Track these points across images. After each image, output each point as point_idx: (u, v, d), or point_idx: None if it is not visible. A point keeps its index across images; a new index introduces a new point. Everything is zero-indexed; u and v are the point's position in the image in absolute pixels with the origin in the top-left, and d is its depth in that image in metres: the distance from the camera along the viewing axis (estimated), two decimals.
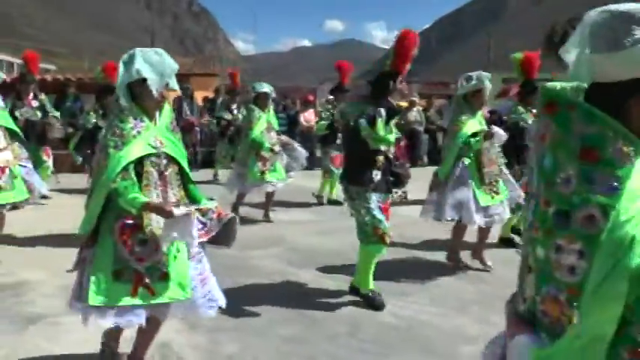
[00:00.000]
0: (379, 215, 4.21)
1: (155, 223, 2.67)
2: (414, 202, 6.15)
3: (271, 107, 7.31)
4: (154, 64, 2.71)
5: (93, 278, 2.66)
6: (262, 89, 7.11)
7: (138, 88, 2.72)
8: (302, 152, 7.56)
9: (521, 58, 5.87)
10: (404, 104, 15.19)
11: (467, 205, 4.99)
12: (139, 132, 2.71)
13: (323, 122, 8.28)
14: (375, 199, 4.23)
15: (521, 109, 5.91)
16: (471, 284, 4.97)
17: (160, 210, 2.60)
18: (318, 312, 4.25)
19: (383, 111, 4.19)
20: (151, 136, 2.75)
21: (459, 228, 5.35)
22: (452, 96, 15.75)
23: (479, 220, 5.01)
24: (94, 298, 2.65)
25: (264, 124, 6.95)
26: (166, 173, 2.79)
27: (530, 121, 5.70)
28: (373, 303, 4.33)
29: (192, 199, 2.93)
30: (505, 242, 6.12)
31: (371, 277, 4.40)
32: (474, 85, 5.02)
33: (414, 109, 14.31)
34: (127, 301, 2.68)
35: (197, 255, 2.90)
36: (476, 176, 5.05)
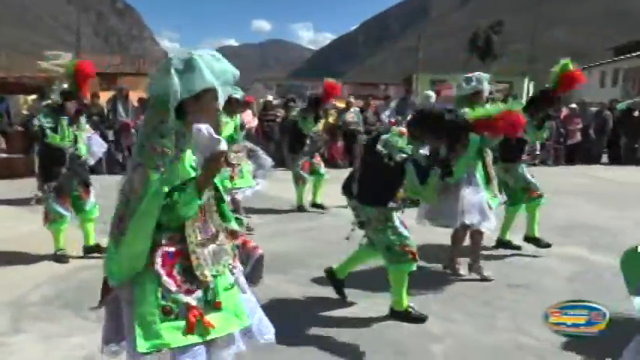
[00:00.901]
0: (405, 232, 4.06)
1: (203, 259, 2.33)
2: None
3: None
4: (217, 72, 2.28)
5: (138, 321, 2.23)
6: (234, 94, 6.90)
7: (189, 101, 2.24)
8: (267, 159, 7.49)
9: (567, 73, 5.66)
10: (341, 105, 15.40)
11: (484, 209, 4.91)
12: (181, 150, 2.26)
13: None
14: (397, 216, 4.09)
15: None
16: (429, 284, 5.05)
17: (213, 164, 2.22)
18: (287, 319, 4.15)
19: (438, 169, 3.96)
20: (191, 155, 2.32)
21: (460, 234, 5.28)
22: (388, 97, 16.23)
23: (490, 224, 4.95)
24: (143, 345, 2.21)
25: (231, 131, 6.70)
26: (205, 200, 2.34)
27: None
28: (415, 319, 4.18)
29: (223, 218, 2.54)
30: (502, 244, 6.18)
31: (405, 293, 4.20)
32: (473, 86, 5.05)
33: (352, 110, 14.56)
34: (182, 340, 2.24)
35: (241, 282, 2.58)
36: (483, 179, 5.01)
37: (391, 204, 4.03)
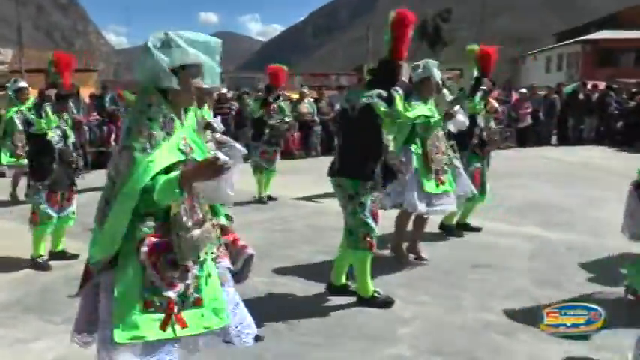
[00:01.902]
0: (372, 223, 4.08)
1: (184, 243, 2.26)
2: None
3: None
4: (199, 46, 2.25)
5: (117, 310, 2.18)
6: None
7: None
8: (239, 149, 7.40)
9: (479, 52, 5.97)
10: (295, 96, 15.40)
11: (410, 191, 4.96)
12: (168, 133, 2.24)
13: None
14: (370, 203, 4.09)
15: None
16: (395, 268, 5.13)
17: (205, 168, 2.14)
18: (254, 309, 4.20)
19: (399, 89, 4.06)
20: (180, 139, 2.29)
21: (403, 216, 5.33)
22: (342, 87, 16.31)
23: (421, 207, 4.98)
24: (121, 335, 2.16)
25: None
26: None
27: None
28: (382, 303, 4.26)
29: (213, 212, 2.54)
30: (444, 229, 6.26)
31: (369, 279, 4.28)
32: (419, 73, 5.09)
33: (305, 100, 14.55)
34: (156, 334, 2.20)
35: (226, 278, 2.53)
36: (421, 164, 5.03)
37: (370, 182, 4.05)
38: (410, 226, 5.42)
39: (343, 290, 4.45)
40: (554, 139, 16.37)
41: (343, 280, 4.48)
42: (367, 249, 4.12)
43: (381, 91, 3.98)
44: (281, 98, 8.34)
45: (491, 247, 5.81)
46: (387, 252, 5.41)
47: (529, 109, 15.55)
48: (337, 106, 14.56)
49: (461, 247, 5.83)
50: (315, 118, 14.30)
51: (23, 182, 8.18)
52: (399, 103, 4.06)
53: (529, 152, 14.22)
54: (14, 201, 8.40)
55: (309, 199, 8.50)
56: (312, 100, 14.81)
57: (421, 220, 5.34)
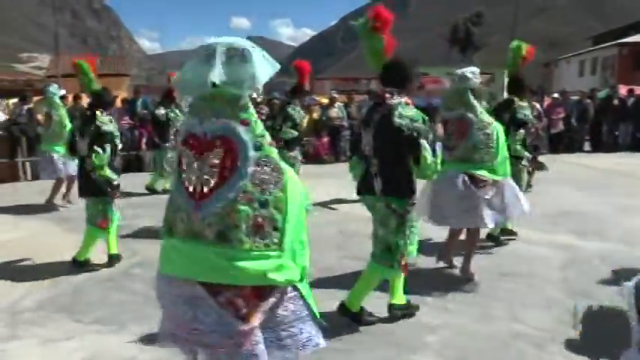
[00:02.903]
0: (415, 243, 3.98)
1: None
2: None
3: None
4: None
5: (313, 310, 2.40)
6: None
7: None
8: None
9: (525, 50, 5.90)
10: (325, 101, 15.36)
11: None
12: None
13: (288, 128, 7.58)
14: (415, 218, 4.00)
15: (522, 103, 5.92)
16: (423, 276, 5.08)
17: None
18: None
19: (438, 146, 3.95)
20: None
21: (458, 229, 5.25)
22: (371, 92, 16.20)
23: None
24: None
25: None
26: None
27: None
28: (367, 322, 4.05)
29: None
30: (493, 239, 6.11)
31: (363, 295, 4.09)
32: (457, 83, 4.95)
33: (335, 105, 14.56)
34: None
35: None
36: None
37: (413, 197, 3.94)
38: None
39: (355, 317, 4.05)
40: (587, 145, 16.06)
41: (358, 306, 4.10)
42: (398, 272, 3.99)
43: (425, 117, 3.85)
44: (291, 105, 7.76)
45: (521, 256, 5.71)
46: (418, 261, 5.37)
47: (561, 115, 15.29)
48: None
49: (490, 255, 5.75)
50: (345, 122, 14.30)
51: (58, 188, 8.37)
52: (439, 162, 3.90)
53: (561, 158, 13.97)
54: (50, 207, 8.42)
55: (338, 203, 8.50)
56: (341, 104, 14.81)
57: (458, 231, 5.27)
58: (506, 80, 5.57)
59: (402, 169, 3.86)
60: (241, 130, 2.17)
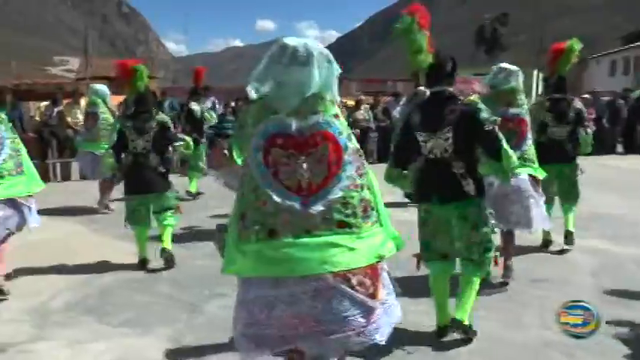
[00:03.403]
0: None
1: None
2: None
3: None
4: None
5: None
6: None
7: None
8: None
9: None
10: (351, 103, 15.27)
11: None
12: None
13: None
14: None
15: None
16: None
17: None
18: None
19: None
20: None
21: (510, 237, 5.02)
22: (397, 94, 16.08)
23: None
24: None
25: None
26: None
27: None
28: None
29: None
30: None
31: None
32: (501, 80, 4.76)
33: (362, 107, 14.47)
34: None
35: None
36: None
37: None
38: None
39: (468, 330, 3.79)
40: (619, 146, 15.70)
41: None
42: (488, 271, 3.89)
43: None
44: None
45: (552, 261, 5.59)
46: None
47: (592, 115, 14.94)
48: (394, 113, 14.38)
49: (520, 260, 5.60)
50: (372, 124, 14.20)
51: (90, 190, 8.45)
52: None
53: (592, 160, 13.66)
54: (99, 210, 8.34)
55: None
56: (368, 106, 14.71)
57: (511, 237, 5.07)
58: (535, 80, 5.37)
59: (475, 166, 3.74)
60: (337, 123, 2.33)
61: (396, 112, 14.15)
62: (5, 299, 4.70)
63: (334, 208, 2.25)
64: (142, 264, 5.50)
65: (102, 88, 8.63)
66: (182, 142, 5.76)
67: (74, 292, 4.91)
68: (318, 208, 2.22)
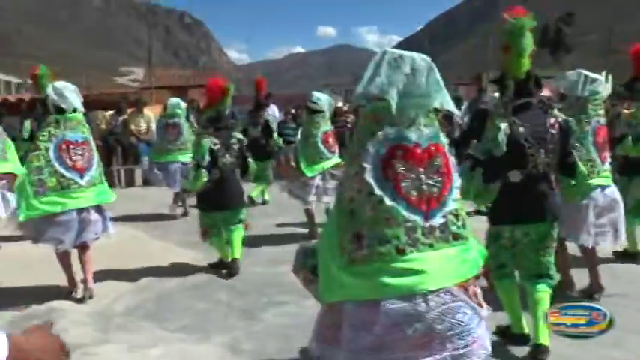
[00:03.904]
0: None
1: None
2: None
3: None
4: None
5: None
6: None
7: None
8: None
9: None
10: None
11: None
12: None
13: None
14: None
15: None
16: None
17: None
18: None
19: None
20: None
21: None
22: (459, 98, 15.70)
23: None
24: None
25: None
26: None
27: None
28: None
29: None
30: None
31: None
32: (589, 87, 4.51)
33: None
34: None
35: None
36: None
37: None
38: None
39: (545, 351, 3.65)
40: None
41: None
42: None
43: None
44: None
45: (619, 275, 5.24)
46: None
47: None
48: (457, 119, 13.99)
49: (585, 274, 5.30)
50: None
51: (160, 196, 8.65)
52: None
53: None
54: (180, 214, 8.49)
55: None
56: None
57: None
58: (610, 83, 4.94)
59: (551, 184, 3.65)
60: (442, 135, 2.30)
61: (457, 118, 13.84)
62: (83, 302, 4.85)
63: (450, 220, 2.24)
64: (234, 264, 5.58)
65: (179, 100, 8.80)
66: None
67: (135, 297, 5.01)
68: (438, 221, 2.20)
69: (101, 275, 5.41)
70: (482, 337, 2.25)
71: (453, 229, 2.24)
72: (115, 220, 7.91)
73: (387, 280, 2.12)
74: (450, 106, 2.27)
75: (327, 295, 2.31)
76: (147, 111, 12.02)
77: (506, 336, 3.82)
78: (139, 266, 5.85)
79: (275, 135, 9.18)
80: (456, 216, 2.26)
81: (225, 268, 5.61)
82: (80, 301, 4.85)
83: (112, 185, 11.55)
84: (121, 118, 12.09)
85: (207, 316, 4.52)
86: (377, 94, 2.22)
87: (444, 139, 2.30)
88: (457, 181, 2.30)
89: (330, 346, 2.33)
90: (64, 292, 4.99)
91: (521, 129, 3.43)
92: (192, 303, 4.84)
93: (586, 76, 4.45)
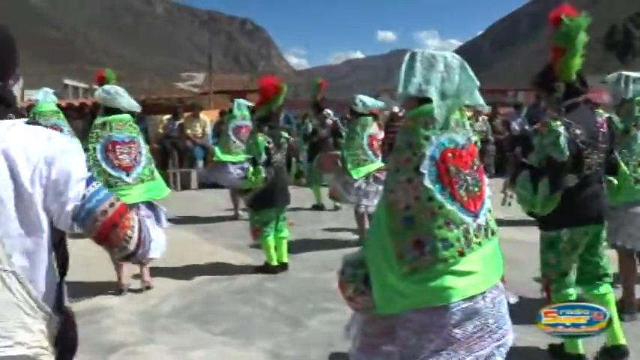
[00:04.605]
0: None
1: None
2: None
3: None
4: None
5: None
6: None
7: None
8: None
9: None
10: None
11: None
12: None
13: None
14: None
15: None
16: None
17: None
18: None
19: None
20: None
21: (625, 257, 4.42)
22: (519, 104, 15.21)
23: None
24: None
25: None
26: None
27: None
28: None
29: None
30: None
31: None
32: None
33: (480, 118, 13.75)
34: None
35: None
36: None
37: None
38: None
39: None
40: None
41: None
42: None
43: None
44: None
45: None
46: None
47: None
48: (513, 125, 13.61)
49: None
50: (490, 137, 13.51)
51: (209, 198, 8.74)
52: None
53: None
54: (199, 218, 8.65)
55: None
56: (486, 118, 14.00)
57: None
58: None
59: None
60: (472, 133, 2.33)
61: (515, 125, 13.43)
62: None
63: (488, 217, 2.27)
64: (282, 268, 5.73)
65: (246, 102, 8.88)
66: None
67: (181, 298, 5.04)
68: (483, 219, 2.23)
69: (150, 275, 5.47)
70: (510, 327, 2.31)
71: (491, 225, 2.28)
72: (168, 221, 8.12)
73: (453, 283, 2.12)
74: (480, 101, 2.26)
75: (387, 306, 2.23)
76: (203, 116, 12.25)
77: (559, 356, 3.60)
78: (188, 268, 5.90)
79: (344, 134, 9.23)
80: (490, 212, 2.30)
81: (270, 272, 5.63)
82: (128, 300, 4.93)
83: (167, 187, 11.88)
84: (177, 123, 12.33)
85: (251, 321, 4.48)
86: (415, 94, 2.20)
87: (473, 137, 2.31)
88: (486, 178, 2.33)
89: (374, 355, 2.37)
90: (114, 291, 5.10)
91: (578, 130, 3.28)
92: (238, 307, 4.82)
93: (627, 77, 4.17)
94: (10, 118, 1.50)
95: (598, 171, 3.44)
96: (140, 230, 1.59)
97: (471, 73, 2.24)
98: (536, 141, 3.43)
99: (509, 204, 3.67)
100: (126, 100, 5.01)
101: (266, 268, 5.70)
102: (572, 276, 3.51)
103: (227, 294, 5.14)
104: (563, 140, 3.19)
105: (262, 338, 4.10)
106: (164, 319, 4.54)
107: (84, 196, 1.48)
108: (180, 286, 5.35)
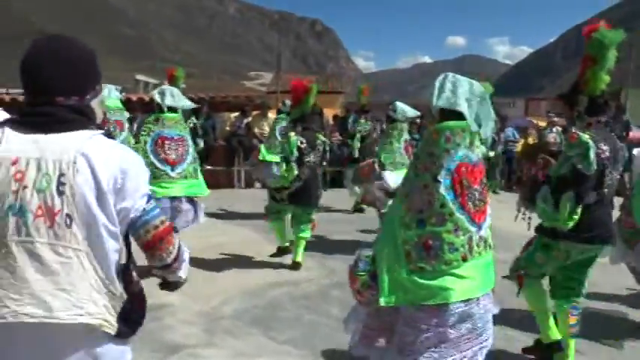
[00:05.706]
0: None
1: None
2: None
3: None
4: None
5: None
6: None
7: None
8: None
9: None
10: (542, 124, 14.18)
11: None
12: None
13: None
14: None
15: None
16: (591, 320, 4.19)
17: None
18: None
19: None
20: None
21: None
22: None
23: None
24: None
25: None
26: None
27: None
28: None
29: None
30: None
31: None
32: None
33: (554, 129, 13.11)
34: None
35: None
36: None
37: None
38: None
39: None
40: None
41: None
42: None
43: None
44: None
45: None
46: None
47: None
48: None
49: None
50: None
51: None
52: None
53: None
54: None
55: None
56: (560, 129, 13.31)
57: None
58: None
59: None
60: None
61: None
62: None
63: (488, 232, 2.47)
64: (295, 266, 5.89)
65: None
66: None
67: (244, 301, 4.90)
68: (484, 232, 2.43)
69: (212, 275, 5.38)
70: (492, 333, 2.52)
71: (489, 239, 2.48)
72: (232, 219, 8.07)
73: (453, 285, 2.32)
74: (487, 135, 2.45)
75: (392, 298, 2.38)
76: (271, 114, 12.17)
77: (539, 351, 3.75)
78: (250, 269, 5.79)
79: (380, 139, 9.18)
80: (489, 227, 2.48)
81: (282, 254, 6.11)
82: (190, 299, 4.83)
83: (232, 185, 11.89)
84: (245, 121, 12.32)
85: (316, 330, 4.30)
86: (445, 106, 2.39)
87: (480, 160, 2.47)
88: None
89: (375, 347, 2.60)
90: (177, 290, 4.97)
91: (604, 147, 3.29)
92: (302, 314, 4.64)
93: None
94: (90, 129, 1.68)
95: (612, 192, 3.47)
96: (179, 249, 1.84)
97: (490, 106, 2.43)
98: (564, 151, 3.42)
99: (529, 225, 3.69)
100: (179, 101, 5.28)
101: (278, 253, 6.17)
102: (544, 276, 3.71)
103: (291, 300, 4.97)
104: (592, 153, 3.19)
105: (327, 349, 3.92)
106: (226, 322, 4.42)
107: (144, 209, 1.72)
108: (242, 288, 5.22)
